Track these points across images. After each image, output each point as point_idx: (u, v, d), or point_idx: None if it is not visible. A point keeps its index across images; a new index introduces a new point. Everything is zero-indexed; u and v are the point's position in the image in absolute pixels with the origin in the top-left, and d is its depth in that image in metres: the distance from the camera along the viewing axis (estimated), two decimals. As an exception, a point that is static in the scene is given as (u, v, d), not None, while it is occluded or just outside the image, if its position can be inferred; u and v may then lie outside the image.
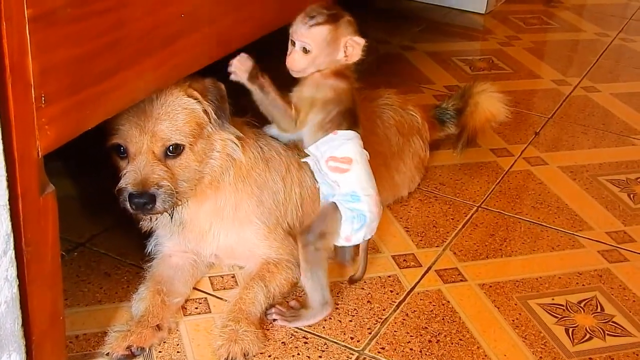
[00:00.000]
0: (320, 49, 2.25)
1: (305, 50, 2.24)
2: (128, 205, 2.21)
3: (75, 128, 1.77)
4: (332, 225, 2.30)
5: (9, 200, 1.65)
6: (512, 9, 5.17)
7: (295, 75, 2.29)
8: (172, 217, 2.36)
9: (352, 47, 2.29)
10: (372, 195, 2.32)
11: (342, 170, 2.28)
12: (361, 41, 2.29)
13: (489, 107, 3.16)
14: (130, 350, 2.15)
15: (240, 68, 2.23)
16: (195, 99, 2.25)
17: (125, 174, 2.23)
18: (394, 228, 2.78)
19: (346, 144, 2.29)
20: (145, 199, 2.19)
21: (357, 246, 2.42)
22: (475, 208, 2.96)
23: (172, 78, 2.07)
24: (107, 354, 2.15)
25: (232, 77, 2.25)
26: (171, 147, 2.23)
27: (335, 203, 2.30)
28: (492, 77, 4.09)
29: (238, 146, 2.35)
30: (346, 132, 2.30)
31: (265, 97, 2.27)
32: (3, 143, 1.59)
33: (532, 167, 3.28)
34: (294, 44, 2.26)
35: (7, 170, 1.62)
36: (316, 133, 2.31)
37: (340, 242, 2.34)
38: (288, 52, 2.27)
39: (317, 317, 2.33)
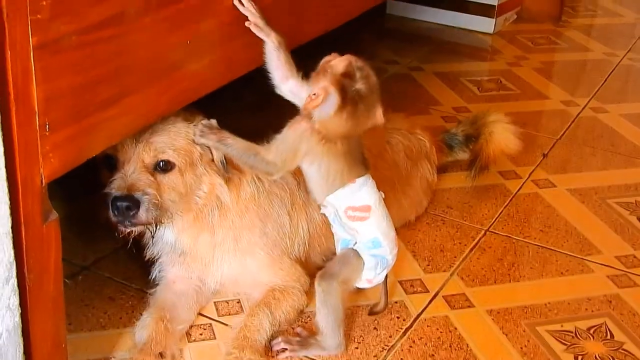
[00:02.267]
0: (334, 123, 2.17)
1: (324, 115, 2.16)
2: (110, 211, 2.16)
3: (79, 155, 1.76)
4: (355, 271, 2.28)
5: (12, 227, 1.64)
6: (520, 29, 5.16)
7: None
8: (152, 237, 2.33)
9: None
10: (392, 236, 2.31)
11: (362, 219, 2.25)
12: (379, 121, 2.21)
13: (504, 139, 3.15)
14: None
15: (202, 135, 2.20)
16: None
17: (111, 180, 2.19)
18: (401, 252, 2.75)
19: (362, 191, 2.25)
20: (129, 202, 2.14)
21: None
22: (483, 232, 2.94)
23: (178, 104, 2.06)
24: None
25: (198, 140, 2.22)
26: (162, 162, 2.21)
27: (356, 250, 2.28)
28: (500, 97, 4.08)
29: (227, 191, 2.33)
30: (362, 178, 2.26)
31: (226, 147, 2.19)
32: (7, 170, 1.58)
33: (540, 189, 3.26)
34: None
35: (10, 198, 1.62)
36: (322, 187, 2.26)
37: (362, 284, 2.33)
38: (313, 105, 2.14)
39: (327, 353, 2.30)
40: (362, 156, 2.30)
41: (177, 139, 2.22)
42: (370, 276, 2.31)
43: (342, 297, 2.27)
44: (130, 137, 2.14)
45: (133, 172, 2.18)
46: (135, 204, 2.15)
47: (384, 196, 2.33)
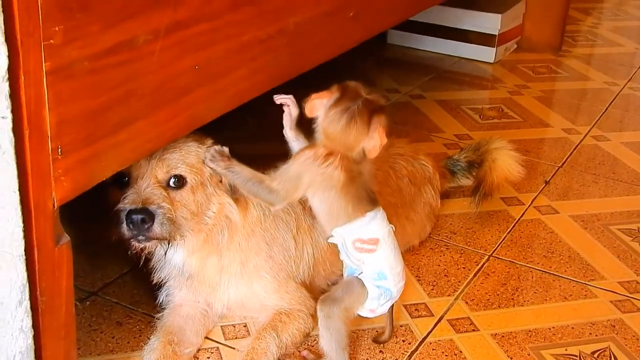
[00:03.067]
0: (338, 143, 2.21)
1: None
2: (125, 225, 2.16)
3: (90, 178, 1.78)
4: (358, 299, 2.29)
5: (25, 251, 1.66)
6: (521, 58, 5.19)
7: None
8: (165, 254, 2.33)
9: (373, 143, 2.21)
10: (399, 270, 2.31)
11: (369, 251, 2.25)
12: (379, 143, 2.20)
13: (507, 166, 3.17)
14: None
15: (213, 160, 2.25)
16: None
17: (124, 197, 2.20)
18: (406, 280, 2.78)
19: (371, 224, 2.26)
20: (144, 214, 2.15)
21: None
22: (487, 257, 2.95)
23: (188, 128, 2.08)
24: None
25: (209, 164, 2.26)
26: (175, 177, 2.23)
27: (361, 279, 2.29)
28: (502, 125, 4.11)
29: (236, 210, 2.35)
30: (372, 212, 2.26)
31: (233, 175, 2.23)
32: (20, 194, 1.60)
33: (542, 215, 3.28)
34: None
35: (24, 221, 1.63)
36: (328, 221, 2.28)
37: (365, 313, 2.33)
38: (319, 96, 2.22)
39: None
40: (371, 193, 2.30)
41: (189, 157, 2.25)
42: (373, 306, 2.31)
43: (345, 322, 2.27)
44: (142, 156, 2.17)
45: (147, 187, 2.19)
46: (150, 216, 2.15)
47: (394, 229, 2.34)
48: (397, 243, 2.33)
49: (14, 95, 1.52)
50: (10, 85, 1.51)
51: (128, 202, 2.18)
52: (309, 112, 2.22)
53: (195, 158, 2.26)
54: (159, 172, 2.21)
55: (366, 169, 2.27)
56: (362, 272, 2.29)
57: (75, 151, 1.70)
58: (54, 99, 1.60)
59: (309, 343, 2.43)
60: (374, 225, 2.25)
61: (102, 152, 1.78)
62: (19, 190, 1.60)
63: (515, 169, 3.19)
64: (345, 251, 2.28)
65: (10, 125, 1.53)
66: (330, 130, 2.18)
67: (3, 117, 1.51)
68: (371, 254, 2.26)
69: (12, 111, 1.52)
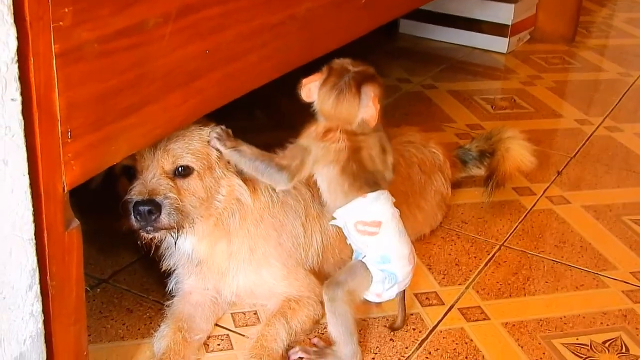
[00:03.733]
0: (335, 119, 2.22)
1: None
2: (132, 217, 2.17)
3: (100, 163, 1.78)
4: (362, 283, 2.28)
5: (35, 234, 1.65)
6: (534, 48, 5.17)
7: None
8: (175, 243, 2.33)
9: (369, 113, 2.20)
10: (405, 254, 2.30)
11: (371, 234, 2.25)
12: (374, 111, 2.19)
13: (519, 156, 3.17)
14: None
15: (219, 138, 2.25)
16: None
17: (131, 188, 2.21)
18: (416, 266, 2.77)
19: (374, 206, 2.25)
20: (151, 206, 2.16)
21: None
22: (498, 246, 2.94)
23: (198, 113, 2.07)
24: None
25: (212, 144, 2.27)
26: (181, 167, 2.23)
27: (365, 263, 2.29)
28: (514, 116, 4.09)
29: (246, 191, 2.35)
30: (374, 194, 2.26)
31: (240, 154, 2.24)
32: (29, 177, 1.60)
33: (554, 206, 3.26)
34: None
35: (33, 205, 1.63)
36: (328, 199, 2.30)
37: (371, 297, 2.33)
38: (309, 80, 2.25)
39: None
40: (377, 173, 2.30)
41: (193, 143, 2.25)
42: (378, 290, 2.30)
43: (350, 305, 2.27)
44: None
45: (153, 177, 2.20)
46: (157, 207, 2.16)
47: (399, 213, 2.33)
48: (403, 226, 2.32)
49: (23, 78, 1.52)
50: (20, 68, 1.51)
51: (135, 193, 2.19)
52: (305, 97, 2.24)
53: (199, 143, 2.26)
54: (165, 163, 2.21)
55: (371, 143, 2.27)
56: (365, 256, 2.29)
57: (85, 135, 1.69)
58: (63, 81, 1.59)
59: (319, 330, 2.43)
60: (377, 207, 2.25)
61: (112, 136, 1.78)
62: (29, 173, 1.60)
63: (527, 158, 3.18)
64: (348, 234, 2.28)
65: (19, 107, 1.53)
66: (324, 109, 2.21)
67: (12, 100, 1.51)
68: (374, 237, 2.25)
69: (22, 94, 1.52)
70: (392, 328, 2.47)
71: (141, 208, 2.16)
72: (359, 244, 2.28)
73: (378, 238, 2.26)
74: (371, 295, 2.32)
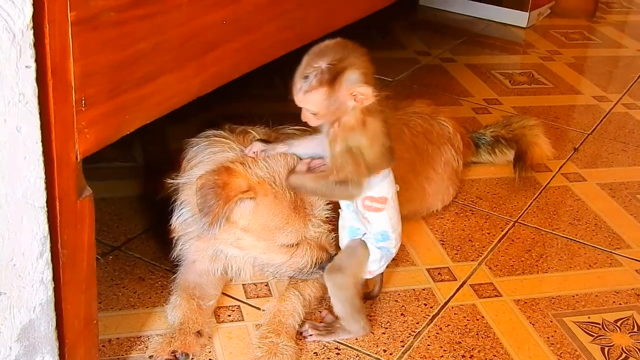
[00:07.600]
0: (325, 108, 2.08)
1: (312, 112, 2.12)
2: None
3: (114, 132, 1.77)
4: (362, 262, 2.27)
5: (47, 202, 1.65)
6: (554, 23, 5.14)
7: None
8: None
9: (361, 95, 2.07)
10: (399, 232, 2.30)
11: (377, 210, 2.23)
12: (367, 90, 2.05)
13: (545, 144, 3.22)
14: (175, 355, 2.15)
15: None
16: None
17: None
18: (429, 241, 2.77)
19: (382, 183, 2.23)
20: None
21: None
22: (512, 223, 2.93)
23: (214, 84, 2.06)
24: (151, 357, 2.15)
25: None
26: None
27: (363, 241, 2.28)
28: (532, 91, 4.07)
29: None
30: (386, 170, 2.23)
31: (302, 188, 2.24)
32: (42, 145, 1.59)
33: (570, 183, 3.25)
34: None
35: (46, 172, 1.62)
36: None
37: (365, 275, 2.33)
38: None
39: (353, 335, 2.32)
40: (392, 148, 2.27)
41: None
42: (374, 268, 2.31)
43: (355, 287, 2.27)
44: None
45: None
46: None
47: (398, 189, 2.31)
48: (398, 205, 2.29)
49: (38, 45, 1.51)
50: (35, 35, 1.50)
51: None
52: (312, 123, 2.14)
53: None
54: None
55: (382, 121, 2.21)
56: (365, 233, 2.28)
57: (100, 104, 1.69)
58: (79, 49, 1.58)
59: (328, 302, 2.40)
60: (386, 183, 2.24)
61: (126, 106, 1.77)
62: (42, 141, 1.59)
63: (549, 149, 3.20)
64: (355, 209, 2.27)
65: (34, 74, 1.52)
66: (318, 112, 2.09)
67: (27, 67, 1.50)
68: (378, 213, 2.24)
69: (36, 60, 1.51)
70: (368, 297, 2.46)
71: None
72: (362, 219, 2.26)
73: (382, 214, 2.25)
74: (365, 274, 2.32)
